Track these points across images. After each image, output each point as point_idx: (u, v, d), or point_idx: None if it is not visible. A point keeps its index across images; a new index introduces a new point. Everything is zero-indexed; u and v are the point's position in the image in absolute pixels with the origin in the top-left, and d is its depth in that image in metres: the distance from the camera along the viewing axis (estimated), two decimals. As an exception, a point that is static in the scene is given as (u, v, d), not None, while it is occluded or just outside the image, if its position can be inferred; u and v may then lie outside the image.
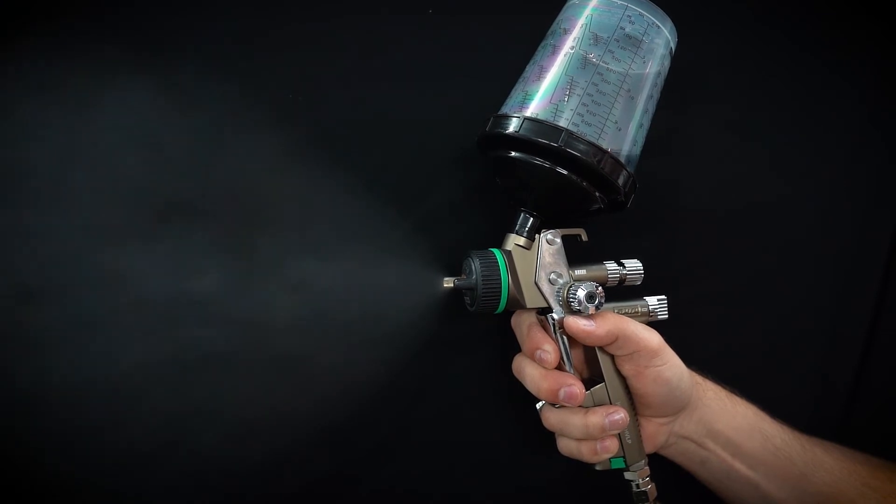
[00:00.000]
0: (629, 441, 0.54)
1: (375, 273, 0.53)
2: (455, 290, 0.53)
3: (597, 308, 0.51)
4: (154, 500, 0.53)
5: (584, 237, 0.55)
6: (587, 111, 0.49)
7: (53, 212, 0.49)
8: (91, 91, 0.49)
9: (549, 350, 0.51)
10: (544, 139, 0.48)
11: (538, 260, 0.53)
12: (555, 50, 0.51)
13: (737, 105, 0.68)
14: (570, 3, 0.53)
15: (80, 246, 0.49)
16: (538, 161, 0.50)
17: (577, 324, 0.51)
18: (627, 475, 0.55)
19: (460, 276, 0.54)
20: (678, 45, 0.54)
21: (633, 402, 0.55)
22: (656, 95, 0.53)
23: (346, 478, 0.58)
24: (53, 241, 0.48)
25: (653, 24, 0.51)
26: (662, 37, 0.52)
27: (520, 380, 0.55)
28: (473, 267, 0.51)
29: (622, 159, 0.50)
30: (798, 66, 0.70)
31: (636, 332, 0.51)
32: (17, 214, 0.48)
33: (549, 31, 0.53)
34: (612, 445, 0.52)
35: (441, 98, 0.59)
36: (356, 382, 0.55)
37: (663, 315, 0.56)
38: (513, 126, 0.49)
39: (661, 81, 0.53)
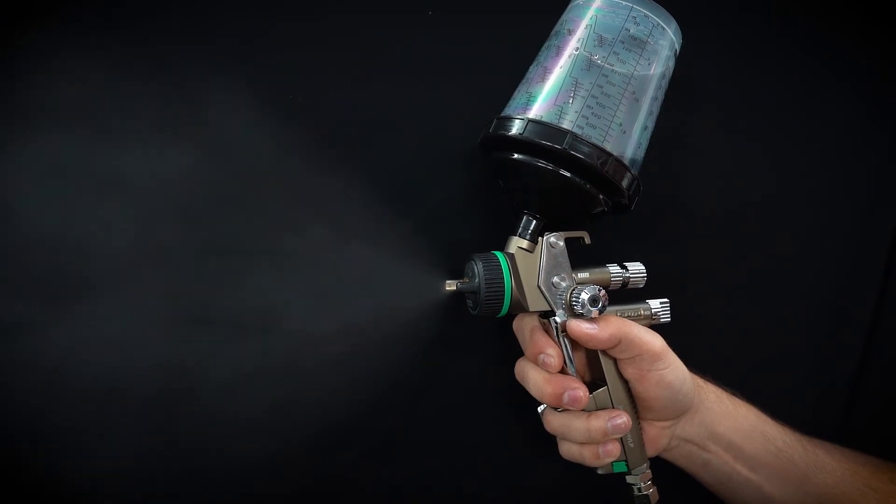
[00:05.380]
0: (631, 445, 0.54)
1: (377, 275, 0.53)
2: (457, 293, 0.52)
3: (600, 311, 0.51)
4: (154, 501, 0.53)
5: (588, 240, 0.54)
6: (592, 113, 0.48)
7: (52, 210, 0.48)
8: (90, 91, 0.49)
9: (552, 354, 0.51)
10: (548, 141, 0.48)
11: (541, 263, 0.52)
12: (559, 51, 0.51)
13: (737, 105, 0.68)
14: (575, 3, 0.53)
15: (80, 246, 0.48)
16: (542, 163, 0.49)
17: (580, 327, 0.51)
18: (629, 479, 0.55)
19: (463, 279, 0.53)
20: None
21: (635, 405, 0.55)
22: (661, 97, 0.52)
23: (346, 478, 0.58)
24: (57, 239, 0.48)
25: (658, 25, 0.51)
26: (667, 38, 0.51)
27: (522, 384, 0.54)
28: (476, 270, 0.51)
29: (626, 162, 0.50)
30: (798, 65, 0.70)
31: (639, 335, 0.51)
32: (21, 213, 0.48)
33: (553, 32, 0.53)
34: (615, 449, 0.52)
35: (442, 98, 0.58)
36: (358, 384, 0.55)
37: (666, 318, 0.56)
38: (516, 128, 0.49)
39: (665, 83, 0.52)
